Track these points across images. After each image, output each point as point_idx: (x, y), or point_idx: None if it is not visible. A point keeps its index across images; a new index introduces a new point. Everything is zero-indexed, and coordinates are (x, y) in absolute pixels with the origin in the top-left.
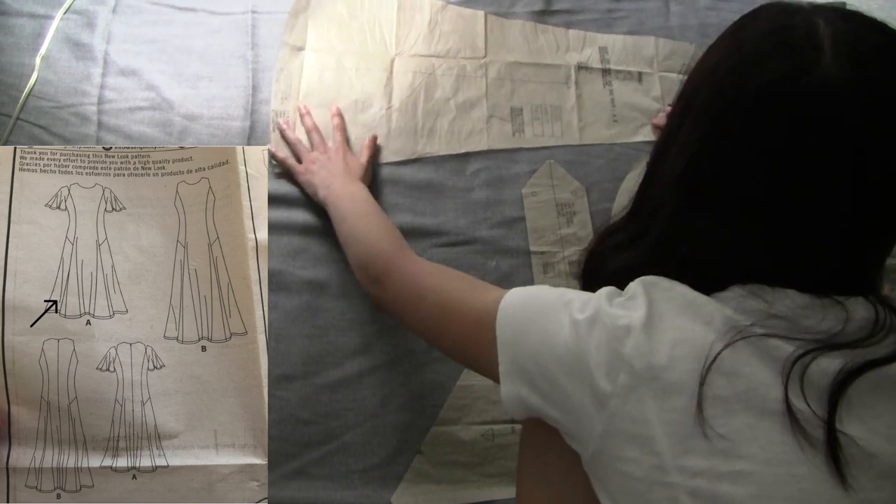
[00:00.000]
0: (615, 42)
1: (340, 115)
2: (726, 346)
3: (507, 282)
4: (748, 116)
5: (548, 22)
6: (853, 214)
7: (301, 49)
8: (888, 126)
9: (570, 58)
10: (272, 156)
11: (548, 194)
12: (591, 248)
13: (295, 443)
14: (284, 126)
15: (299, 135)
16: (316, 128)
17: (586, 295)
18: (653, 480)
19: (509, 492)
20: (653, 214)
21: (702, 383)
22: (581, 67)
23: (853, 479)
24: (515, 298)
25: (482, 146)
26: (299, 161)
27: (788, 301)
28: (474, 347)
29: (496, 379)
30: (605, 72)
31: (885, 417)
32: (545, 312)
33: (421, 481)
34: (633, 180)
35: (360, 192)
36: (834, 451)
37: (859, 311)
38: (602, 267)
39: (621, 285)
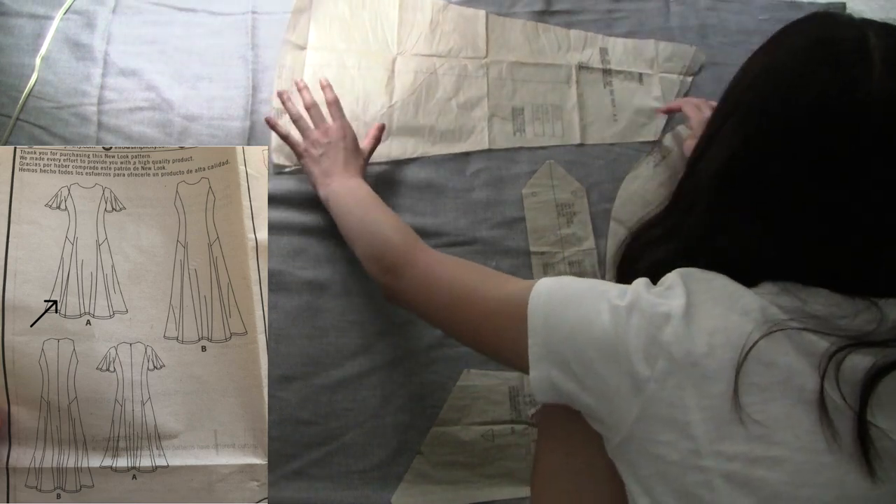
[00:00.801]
0: (616, 43)
1: (331, 87)
2: (763, 336)
3: None
4: (794, 126)
5: (548, 22)
6: (893, 220)
7: (303, 48)
8: None
9: (571, 58)
10: (272, 127)
11: (548, 195)
12: (627, 243)
13: (295, 443)
14: (286, 98)
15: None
16: (315, 104)
17: (621, 285)
18: (688, 464)
19: (509, 492)
20: (689, 209)
21: (738, 371)
22: (582, 67)
23: (882, 472)
24: (547, 286)
25: (483, 145)
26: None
27: (822, 300)
28: (497, 334)
29: (518, 366)
30: (606, 72)
31: None
32: (582, 299)
33: (421, 482)
34: (633, 181)
35: (361, 187)
36: (864, 443)
37: (894, 312)
38: (638, 261)
39: (656, 279)
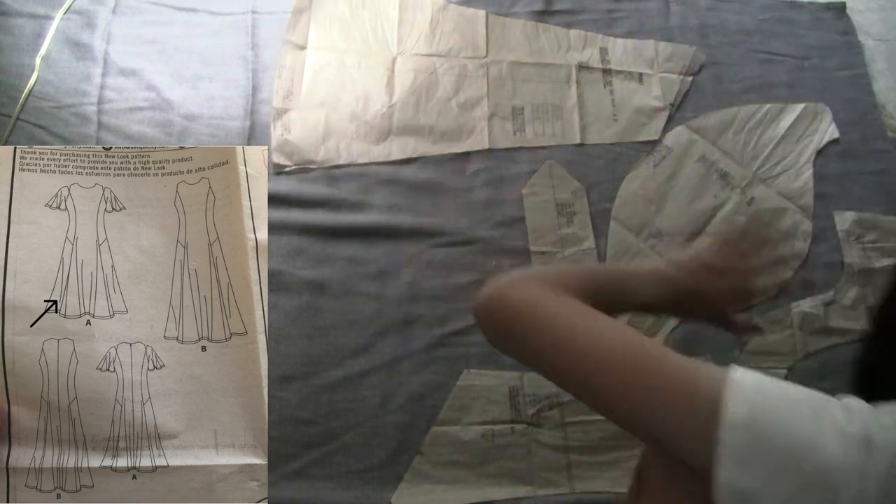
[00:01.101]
0: (616, 43)
1: None
2: None
3: None
4: None
5: (548, 22)
6: None
7: (303, 47)
8: None
9: (570, 57)
10: None
11: (548, 194)
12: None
13: (295, 443)
14: None
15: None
16: None
17: (842, 402)
18: None
19: (509, 491)
20: None
21: None
22: (582, 67)
23: None
24: (752, 378)
25: (483, 145)
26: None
27: None
28: (672, 422)
29: (690, 457)
30: (606, 72)
31: None
32: (799, 409)
33: (421, 481)
34: (632, 181)
35: None
36: None
37: None
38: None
39: None
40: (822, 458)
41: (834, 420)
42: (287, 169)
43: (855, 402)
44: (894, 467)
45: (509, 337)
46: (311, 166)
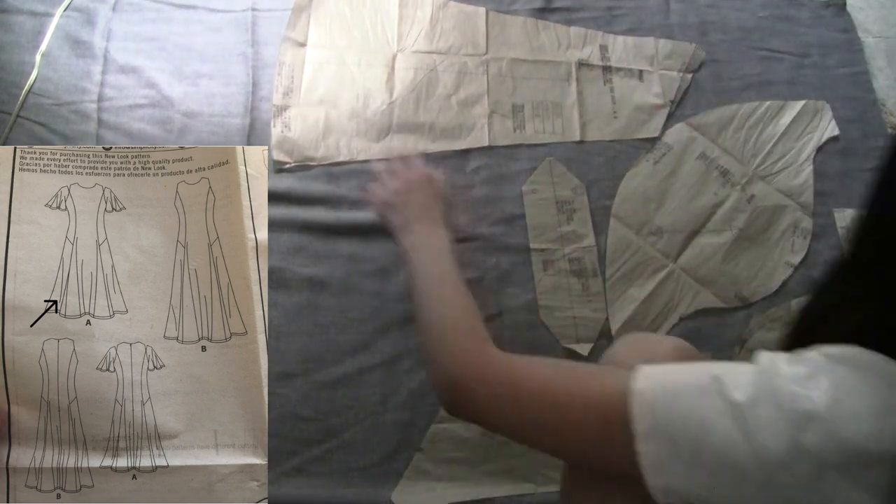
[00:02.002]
0: (616, 41)
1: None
2: None
3: (506, 278)
4: None
5: (548, 19)
6: None
7: (303, 45)
8: None
9: (570, 55)
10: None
11: (548, 192)
12: (808, 305)
13: (295, 440)
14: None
15: (296, 131)
16: (397, 160)
17: (738, 366)
18: None
19: (509, 489)
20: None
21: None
22: (582, 64)
23: None
24: (651, 382)
25: (483, 142)
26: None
27: None
28: (601, 445)
29: (634, 474)
30: (606, 69)
31: None
32: (692, 399)
33: (421, 479)
34: (633, 178)
35: (442, 244)
36: None
37: None
38: (822, 327)
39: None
40: (719, 440)
41: (724, 394)
42: (287, 166)
43: (764, 359)
44: (794, 416)
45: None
46: (311, 163)
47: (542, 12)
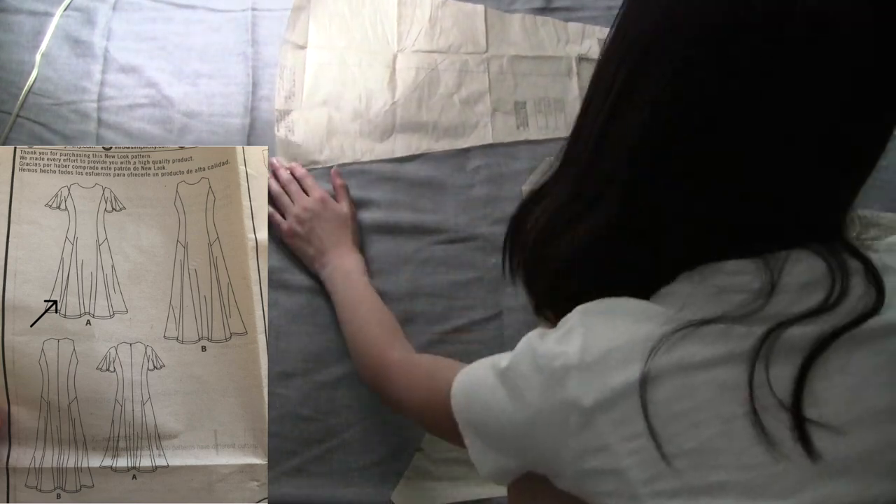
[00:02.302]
0: None
1: (299, 165)
2: (658, 353)
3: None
4: (740, 52)
5: (547, 18)
6: (837, 156)
7: (303, 47)
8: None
9: (570, 50)
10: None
11: None
12: (519, 227)
13: (295, 440)
14: (272, 173)
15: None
16: (292, 180)
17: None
18: None
19: None
20: (599, 194)
21: (645, 406)
22: (582, 59)
23: (829, 466)
24: (459, 379)
25: (487, 140)
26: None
27: (741, 277)
28: (456, 437)
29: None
30: None
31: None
32: (480, 383)
33: (421, 479)
34: None
35: (355, 267)
36: (808, 445)
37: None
38: (552, 249)
39: (570, 274)
40: (500, 411)
41: (496, 369)
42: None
43: (531, 333)
44: (553, 374)
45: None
46: (317, 166)
47: (542, 12)
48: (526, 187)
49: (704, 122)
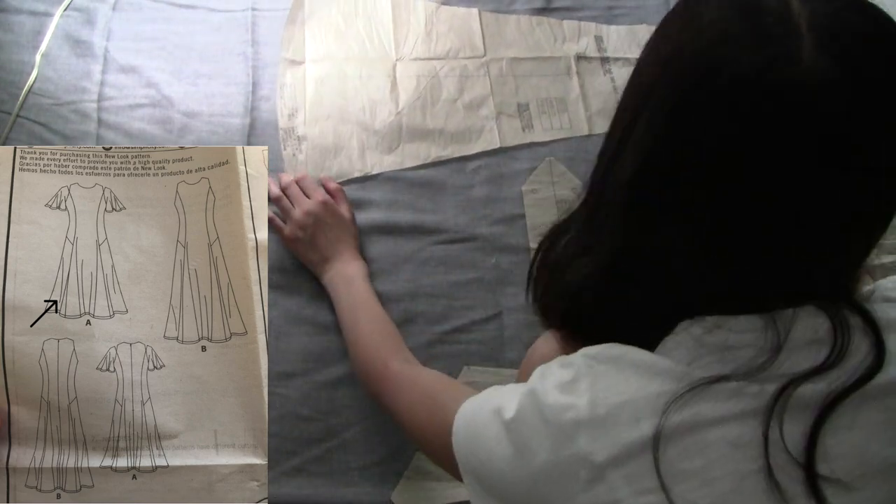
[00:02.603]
0: (609, 31)
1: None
2: (671, 411)
3: (506, 278)
4: (713, 113)
5: (547, 18)
6: (827, 223)
7: (301, 62)
8: (876, 130)
9: (567, 49)
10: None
11: (548, 191)
12: (542, 256)
13: (295, 440)
14: (271, 180)
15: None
16: (292, 183)
17: (517, 387)
18: None
19: None
20: (603, 224)
21: (657, 464)
22: (580, 58)
23: None
24: (461, 420)
25: (494, 144)
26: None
27: (749, 334)
28: (453, 471)
29: None
30: (604, 60)
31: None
32: (482, 431)
33: (421, 479)
34: None
35: (357, 273)
36: (821, 501)
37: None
38: (555, 277)
39: (577, 304)
40: (504, 464)
41: (501, 419)
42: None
43: (535, 375)
44: (563, 428)
45: None
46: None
47: (542, 12)
48: (526, 187)
49: (692, 173)
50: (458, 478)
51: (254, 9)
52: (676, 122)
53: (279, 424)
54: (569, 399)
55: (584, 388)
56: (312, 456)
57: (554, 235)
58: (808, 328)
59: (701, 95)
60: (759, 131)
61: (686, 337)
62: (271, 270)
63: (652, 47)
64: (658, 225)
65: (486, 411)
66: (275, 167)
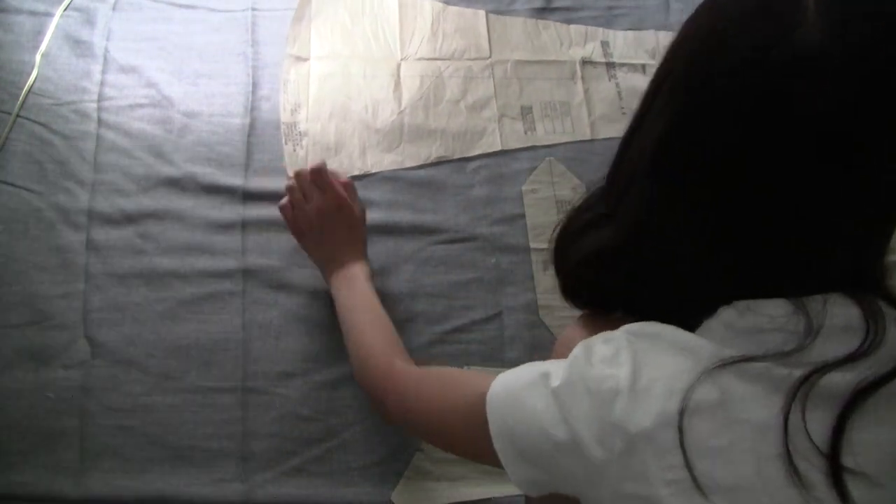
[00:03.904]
0: (616, 36)
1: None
2: (699, 386)
3: (506, 278)
4: (722, 89)
5: (548, 19)
6: (832, 206)
7: (306, 59)
8: (872, 106)
9: (573, 53)
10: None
11: (548, 191)
12: (563, 227)
13: (295, 440)
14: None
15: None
16: (304, 174)
17: (563, 361)
18: None
19: (509, 489)
20: (625, 191)
21: (682, 437)
22: (586, 62)
23: None
24: (499, 386)
25: (496, 147)
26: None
27: (779, 319)
28: (475, 444)
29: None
30: (610, 65)
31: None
32: (526, 394)
33: (421, 479)
34: None
35: (360, 274)
36: (843, 492)
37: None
38: (573, 246)
39: (592, 271)
40: (546, 425)
41: (547, 384)
42: None
43: (579, 348)
44: (602, 395)
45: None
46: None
47: (542, 12)
48: (526, 187)
49: (704, 150)
50: (479, 458)
51: (254, 9)
52: (690, 100)
53: (279, 424)
54: (610, 370)
55: (624, 360)
56: (312, 456)
57: (578, 210)
58: (841, 316)
59: (710, 71)
60: (761, 104)
61: (720, 320)
62: (271, 270)
63: (681, 30)
64: (674, 201)
65: (531, 376)
66: (275, 163)
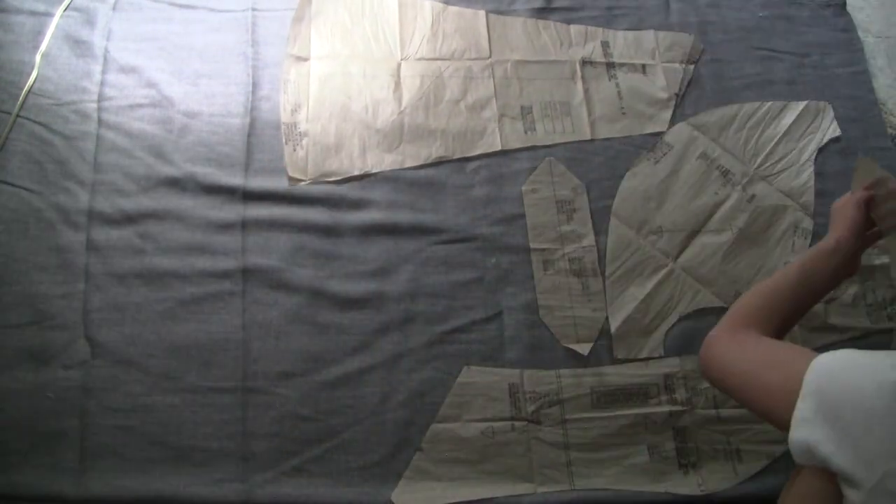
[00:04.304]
0: (616, 36)
1: None
2: None
3: (506, 278)
4: None
5: (548, 19)
6: None
7: (306, 59)
8: None
9: (573, 53)
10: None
11: (548, 191)
12: None
13: (295, 440)
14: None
15: None
16: None
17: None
18: None
19: (509, 489)
20: None
21: None
22: (586, 62)
23: None
24: (828, 358)
25: (496, 147)
26: None
27: None
28: (780, 399)
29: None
30: (610, 65)
31: None
32: (866, 372)
33: (421, 478)
34: (632, 178)
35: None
36: None
37: None
38: None
39: None
40: (877, 404)
41: (884, 372)
42: (303, 183)
43: None
44: None
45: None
46: (328, 179)
47: (542, 12)
48: (526, 187)
49: None
50: (768, 411)
51: (254, 9)
52: None
53: (279, 424)
54: None
55: None
56: (313, 456)
57: None
58: None
59: None
60: None
61: None
62: (271, 270)
63: None
64: None
65: (880, 363)
66: (275, 163)
